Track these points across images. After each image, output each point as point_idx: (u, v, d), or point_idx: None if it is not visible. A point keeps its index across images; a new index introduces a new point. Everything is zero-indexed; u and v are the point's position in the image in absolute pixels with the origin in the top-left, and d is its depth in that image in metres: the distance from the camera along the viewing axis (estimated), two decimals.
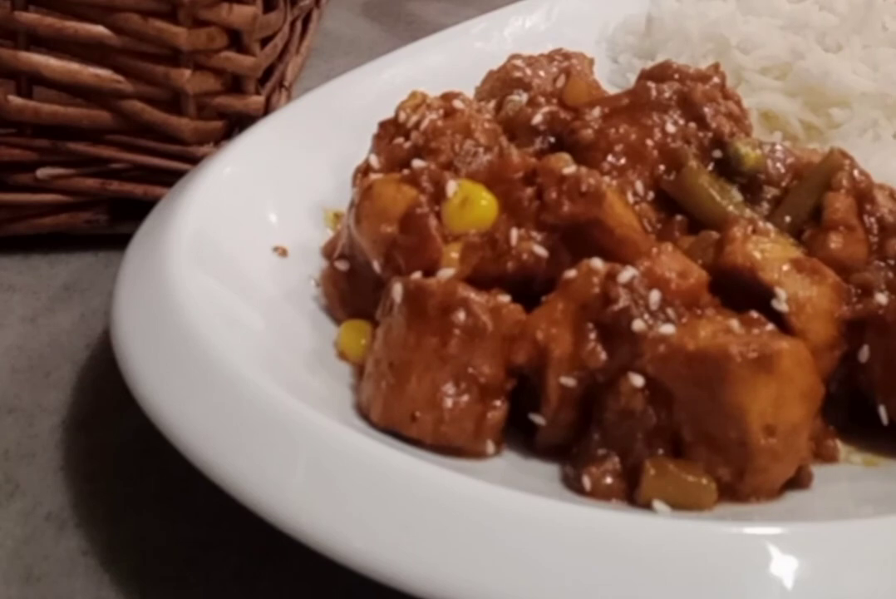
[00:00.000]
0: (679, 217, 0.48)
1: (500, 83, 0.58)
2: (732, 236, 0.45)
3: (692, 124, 0.51)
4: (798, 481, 0.42)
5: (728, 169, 0.49)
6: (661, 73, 0.54)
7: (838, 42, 0.67)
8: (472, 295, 0.43)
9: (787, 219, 0.48)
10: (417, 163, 0.50)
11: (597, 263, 0.44)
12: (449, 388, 0.43)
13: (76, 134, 0.59)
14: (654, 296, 0.43)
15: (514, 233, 0.46)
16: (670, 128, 0.50)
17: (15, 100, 0.58)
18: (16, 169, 0.60)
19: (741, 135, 0.51)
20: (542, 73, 0.58)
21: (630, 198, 0.48)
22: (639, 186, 0.49)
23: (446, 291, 0.44)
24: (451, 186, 0.47)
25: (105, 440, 0.49)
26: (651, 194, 0.49)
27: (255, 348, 0.45)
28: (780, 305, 0.43)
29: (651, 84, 0.52)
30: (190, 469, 0.41)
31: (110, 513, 0.45)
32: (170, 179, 0.57)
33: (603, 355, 0.43)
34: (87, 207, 0.61)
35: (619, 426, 0.42)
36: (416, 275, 0.45)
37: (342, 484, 0.39)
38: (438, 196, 0.48)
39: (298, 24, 0.75)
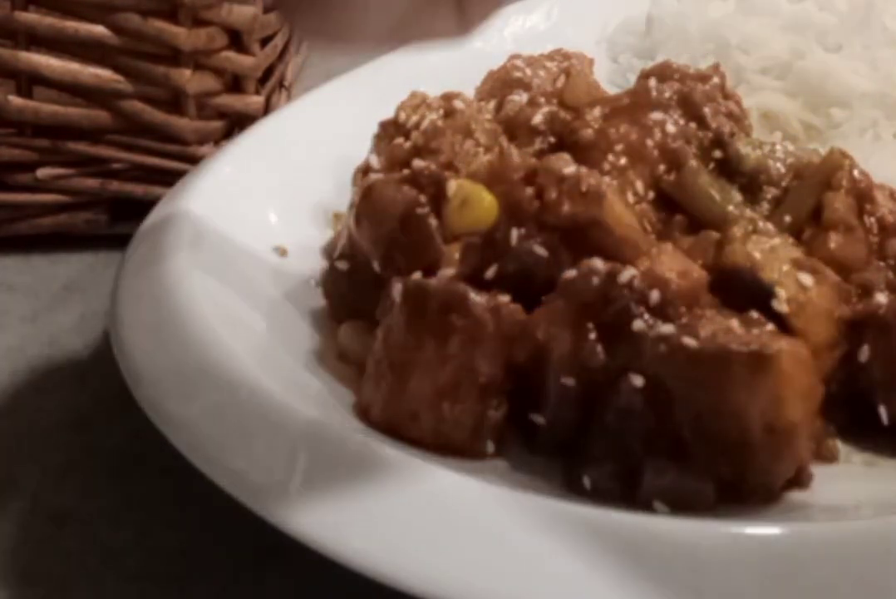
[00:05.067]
0: (679, 217, 0.48)
1: (500, 83, 0.58)
2: (732, 236, 0.45)
3: (692, 124, 0.51)
4: (798, 481, 0.42)
5: (728, 169, 0.49)
6: (661, 73, 0.54)
7: (838, 42, 0.67)
8: (472, 295, 0.43)
9: (787, 219, 0.48)
10: (417, 163, 0.50)
11: (597, 263, 0.44)
12: (449, 388, 0.43)
13: (76, 134, 0.59)
14: (654, 296, 0.43)
15: (514, 233, 0.46)
16: (670, 128, 0.50)
17: (15, 100, 0.58)
18: (16, 169, 0.60)
19: (741, 135, 0.51)
20: (542, 73, 0.58)
21: (630, 198, 0.48)
22: (639, 186, 0.49)
23: (446, 291, 0.44)
24: (451, 186, 0.47)
25: (105, 440, 0.49)
26: (651, 194, 0.49)
27: (255, 348, 0.45)
28: (780, 305, 0.43)
29: (651, 84, 0.52)
30: (190, 469, 0.41)
31: (110, 513, 0.45)
32: (170, 179, 0.57)
33: (603, 355, 0.43)
34: (87, 207, 0.61)
35: (619, 425, 0.42)
36: (416, 275, 0.45)
37: (342, 484, 0.39)
38: (438, 196, 0.48)
39: None
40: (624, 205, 0.47)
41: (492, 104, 0.55)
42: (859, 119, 0.63)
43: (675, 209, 0.49)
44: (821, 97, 0.64)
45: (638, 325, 0.42)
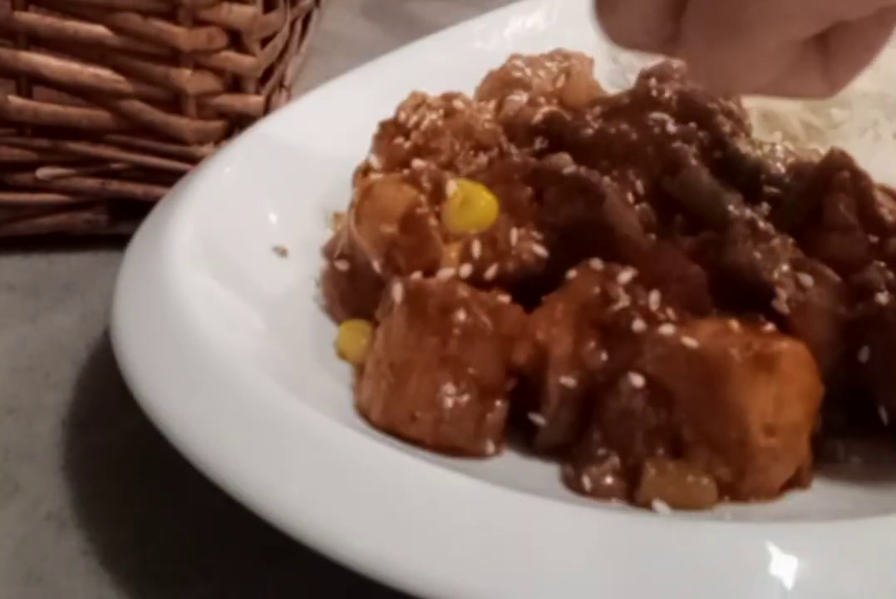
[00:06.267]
0: (679, 217, 0.48)
1: (500, 83, 0.58)
2: (732, 236, 0.45)
3: (692, 124, 0.51)
4: (798, 481, 0.42)
5: (728, 169, 0.49)
6: (661, 73, 0.54)
7: None
8: (473, 295, 0.43)
9: (787, 219, 0.48)
10: (417, 163, 0.50)
11: (597, 263, 0.44)
12: (449, 388, 0.43)
13: (76, 134, 0.59)
14: (654, 296, 0.43)
15: (514, 233, 0.46)
16: (670, 128, 0.50)
17: (15, 100, 0.58)
18: (16, 169, 0.60)
19: (741, 135, 0.51)
20: (542, 73, 0.58)
21: (630, 198, 0.48)
22: (639, 186, 0.49)
23: (446, 291, 0.44)
24: (451, 186, 0.47)
25: (105, 440, 0.49)
26: (651, 194, 0.49)
27: (255, 348, 0.45)
28: (780, 305, 0.43)
29: (651, 84, 0.52)
30: (190, 469, 0.41)
31: (110, 513, 0.45)
32: (170, 179, 0.57)
33: (603, 355, 0.43)
34: (87, 207, 0.61)
35: (619, 426, 0.42)
36: (416, 275, 0.45)
37: (342, 484, 0.39)
38: (438, 196, 0.48)
39: (298, 24, 0.75)
40: (624, 205, 0.47)
41: (492, 104, 0.55)
42: (859, 119, 0.63)
43: (675, 209, 0.48)
44: None
45: (638, 325, 0.42)
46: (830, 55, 0.35)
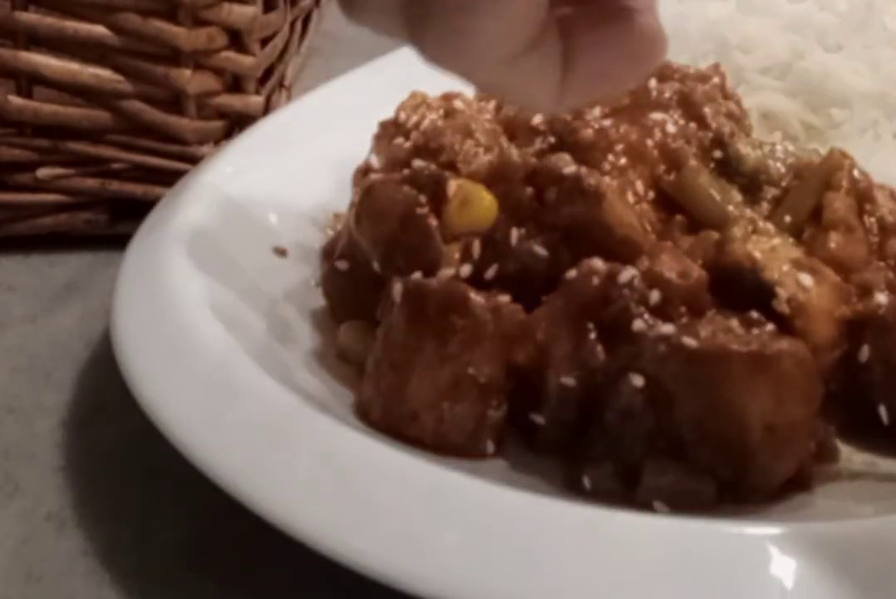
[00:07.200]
0: (679, 217, 0.48)
1: None
2: (732, 236, 0.45)
3: (692, 124, 0.51)
4: (798, 481, 0.42)
5: (728, 169, 0.49)
6: (661, 74, 0.54)
7: (838, 42, 0.67)
8: (472, 295, 0.43)
9: (787, 219, 0.48)
10: (417, 163, 0.50)
11: (597, 263, 0.44)
12: (449, 388, 0.43)
13: (76, 134, 0.59)
14: (654, 296, 0.43)
15: (514, 233, 0.46)
16: (670, 128, 0.50)
17: (15, 100, 0.58)
18: (16, 169, 0.60)
19: (741, 135, 0.51)
20: None
21: (630, 198, 0.48)
22: (639, 186, 0.49)
23: (446, 291, 0.44)
24: (451, 186, 0.47)
25: (105, 440, 0.49)
26: (651, 194, 0.49)
27: (255, 348, 0.45)
28: (780, 305, 0.43)
29: (651, 84, 0.52)
30: (190, 469, 0.41)
31: (110, 513, 0.45)
32: (170, 179, 0.57)
33: (603, 355, 0.43)
34: (87, 207, 0.61)
35: (619, 425, 0.42)
36: (416, 275, 0.45)
37: (342, 484, 0.39)
38: (438, 196, 0.48)
39: (298, 24, 0.75)
40: (624, 205, 0.47)
41: (492, 104, 0.55)
42: (859, 119, 0.63)
43: (675, 209, 0.49)
44: (821, 97, 0.64)
45: (638, 325, 0.42)
46: (569, 68, 0.32)
